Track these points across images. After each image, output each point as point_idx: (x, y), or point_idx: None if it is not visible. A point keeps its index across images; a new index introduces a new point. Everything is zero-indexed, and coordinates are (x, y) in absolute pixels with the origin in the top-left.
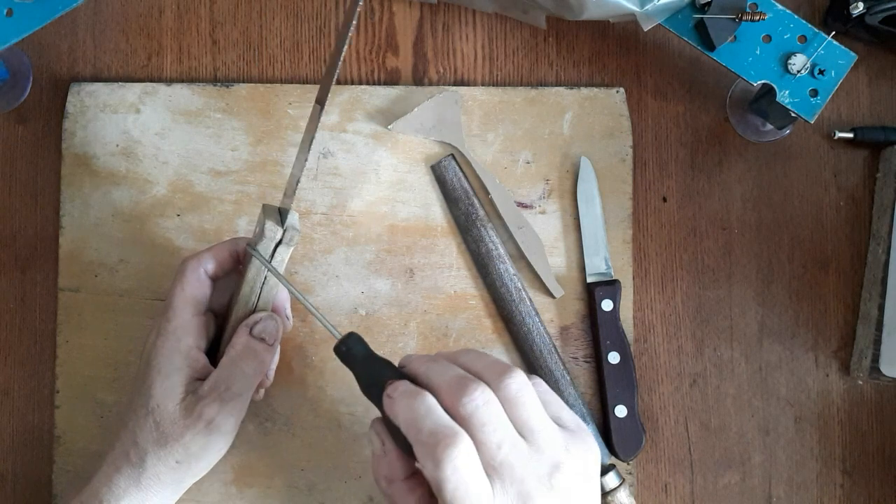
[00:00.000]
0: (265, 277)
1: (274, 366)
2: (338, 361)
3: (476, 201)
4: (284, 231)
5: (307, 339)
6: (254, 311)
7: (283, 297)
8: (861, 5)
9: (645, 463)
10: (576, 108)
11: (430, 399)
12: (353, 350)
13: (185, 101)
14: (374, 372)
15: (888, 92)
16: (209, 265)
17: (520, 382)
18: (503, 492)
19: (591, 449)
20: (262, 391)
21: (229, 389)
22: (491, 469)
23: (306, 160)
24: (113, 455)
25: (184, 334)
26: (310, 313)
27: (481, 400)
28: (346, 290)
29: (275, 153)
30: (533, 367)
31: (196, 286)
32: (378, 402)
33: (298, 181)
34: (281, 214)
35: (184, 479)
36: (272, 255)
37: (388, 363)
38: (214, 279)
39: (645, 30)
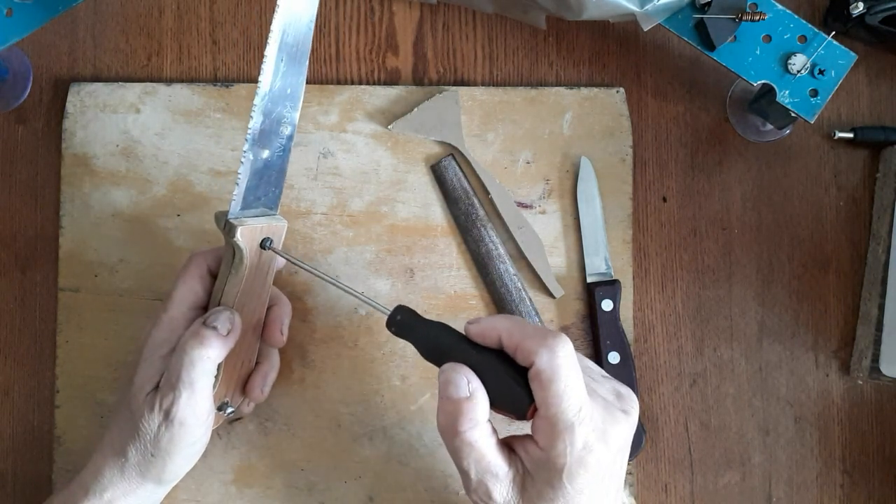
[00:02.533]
0: (226, 273)
1: (270, 381)
2: (338, 361)
3: (476, 201)
4: (223, 223)
5: (307, 339)
6: (217, 305)
7: (282, 312)
8: (861, 5)
9: (645, 463)
10: (576, 108)
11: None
12: (405, 321)
13: (185, 101)
14: (431, 335)
15: (888, 92)
16: (213, 262)
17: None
18: (597, 404)
19: (633, 396)
20: (251, 404)
21: (178, 376)
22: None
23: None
24: (101, 445)
25: (176, 326)
26: (349, 294)
27: (566, 340)
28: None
29: None
30: None
31: (197, 281)
32: (442, 359)
33: (244, 182)
34: (223, 222)
35: (162, 473)
36: (232, 252)
37: (444, 326)
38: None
39: (645, 30)
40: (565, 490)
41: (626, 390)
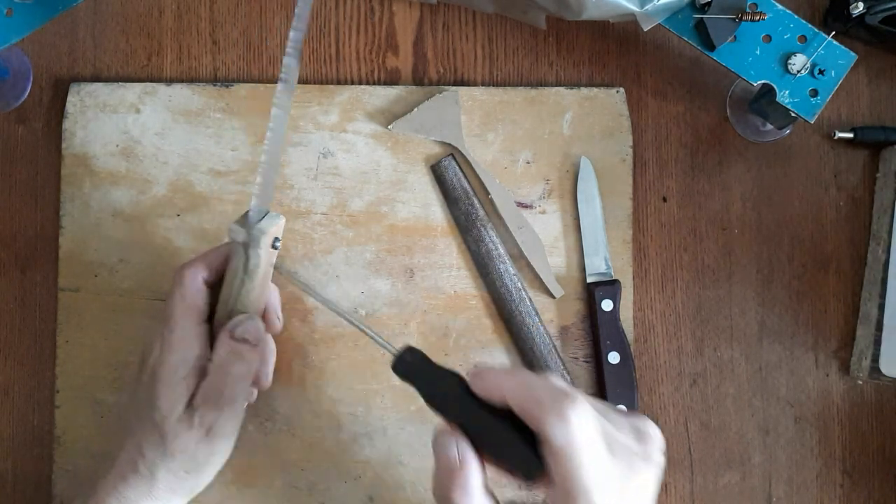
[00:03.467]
0: (242, 279)
1: (270, 367)
2: (338, 361)
3: (476, 201)
4: (251, 233)
5: (307, 339)
6: (231, 313)
7: (273, 298)
8: (861, 5)
9: None
10: (576, 108)
11: (528, 371)
12: (414, 365)
13: (185, 101)
14: (438, 384)
15: (888, 92)
16: (205, 273)
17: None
18: (616, 457)
19: (655, 430)
20: (255, 392)
21: (221, 395)
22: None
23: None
24: (119, 464)
25: (188, 346)
26: (357, 329)
27: (580, 401)
28: (346, 290)
29: None
30: (533, 367)
31: (196, 296)
32: (444, 410)
33: (271, 183)
34: (247, 217)
35: (195, 487)
36: (246, 259)
37: (452, 374)
38: (211, 286)
39: (645, 30)
40: None
41: (644, 425)
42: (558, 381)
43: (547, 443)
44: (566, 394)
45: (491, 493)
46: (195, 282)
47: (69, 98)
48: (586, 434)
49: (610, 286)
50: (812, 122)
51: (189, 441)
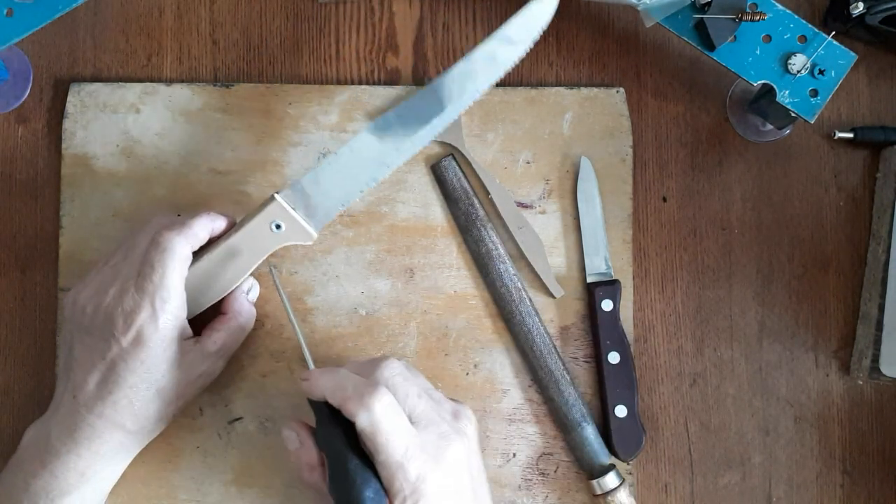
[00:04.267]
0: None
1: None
2: (338, 361)
3: (476, 201)
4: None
5: (307, 339)
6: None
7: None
8: (861, 5)
9: (645, 463)
10: (576, 108)
11: (346, 371)
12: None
13: (186, 101)
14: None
15: (888, 92)
16: (195, 242)
17: (404, 364)
18: (426, 431)
19: (470, 412)
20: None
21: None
22: (411, 417)
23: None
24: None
25: (180, 312)
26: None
27: (388, 372)
28: (346, 290)
29: (275, 153)
30: (533, 367)
31: (186, 265)
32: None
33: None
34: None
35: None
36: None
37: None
38: None
39: (647, 26)
40: None
41: (461, 406)
42: (381, 370)
43: (359, 430)
44: (369, 385)
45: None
46: (186, 251)
47: (69, 98)
48: (387, 416)
49: (610, 286)
50: (812, 122)
51: (203, 360)
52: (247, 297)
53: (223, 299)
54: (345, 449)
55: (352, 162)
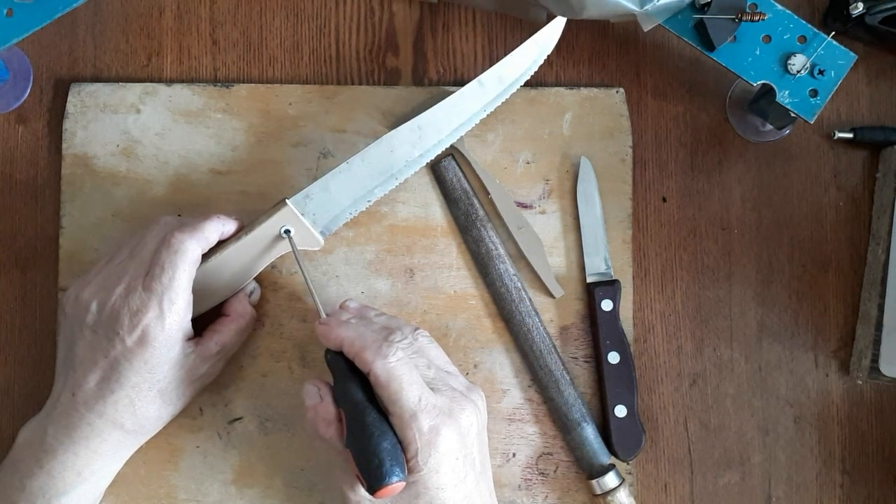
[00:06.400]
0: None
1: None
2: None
3: (476, 201)
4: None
5: (307, 339)
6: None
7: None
8: (861, 5)
9: (645, 463)
10: (575, 108)
11: (365, 324)
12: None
13: (186, 101)
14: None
15: (888, 92)
16: (205, 245)
17: (426, 335)
18: (440, 393)
19: (482, 392)
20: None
21: (235, 333)
22: (425, 378)
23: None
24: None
25: (186, 314)
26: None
27: (408, 329)
28: (346, 290)
29: (275, 153)
30: (533, 366)
31: (195, 267)
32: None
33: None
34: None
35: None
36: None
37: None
38: None
39: (645, 30)
40: (421, 472)
41: (475, 387)
42: (398, 332)
43: (373, 379)
44: (385, 337)
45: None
46: (197, 254)
47: (69, 98)
48: (403, 366)
49: (610, 286)
50: (812, 122)
51: (204, 362)
52: (249, 298)
53: (225, 300)
54: (362, 402)
55: (362, 172)
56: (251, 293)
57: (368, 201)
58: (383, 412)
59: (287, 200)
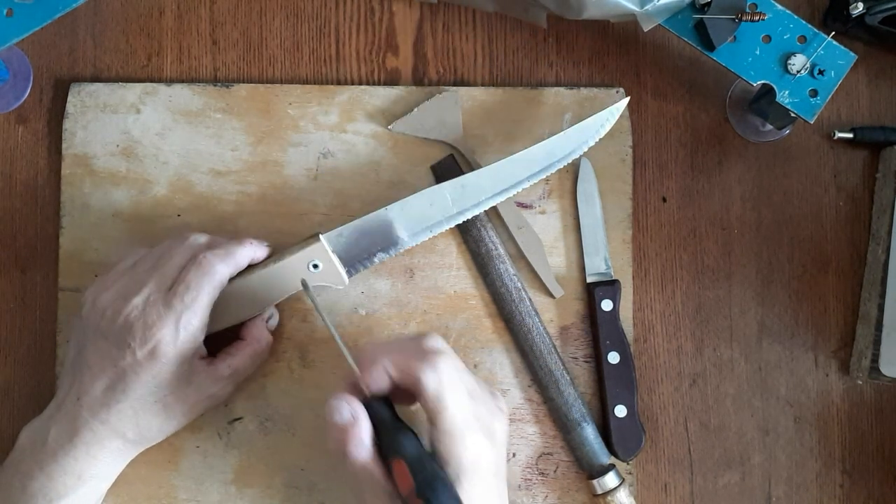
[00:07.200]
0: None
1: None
2: (338, 361)
3: None
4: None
5: (307, 339)
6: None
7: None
8: (861, 5)
9: (645, 463)
10: (576, 108)
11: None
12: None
13: (186, 101)
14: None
15: (888, 92)
16: (234, 271)
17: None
18: (477, 402)
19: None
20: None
21: (249, 360)
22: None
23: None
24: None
25: (200, 334)
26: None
27: (439, 342)
28: (346, 290)
29: (275, 153)
30: (533, 366)
31: (219, 290)
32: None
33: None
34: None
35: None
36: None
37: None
38: None
39: (645, 30)
40: (464, 493)
41: (494, 391)
42: (431, 341)
43: (422, 391)
44: (434, 350)
45: (377, 445)
46: (224, 278)
47: (69, 98)
48: (452, 381)
49: (610, 286)
50: (812, 123)
51: (213, 383)
52: (266, 324)
53: (243, 323)
54: (425, 453)
55: (399, 220)
56: (269, 318)
57: (400, 250)
58: (409, 426)
59: (321, 236)
